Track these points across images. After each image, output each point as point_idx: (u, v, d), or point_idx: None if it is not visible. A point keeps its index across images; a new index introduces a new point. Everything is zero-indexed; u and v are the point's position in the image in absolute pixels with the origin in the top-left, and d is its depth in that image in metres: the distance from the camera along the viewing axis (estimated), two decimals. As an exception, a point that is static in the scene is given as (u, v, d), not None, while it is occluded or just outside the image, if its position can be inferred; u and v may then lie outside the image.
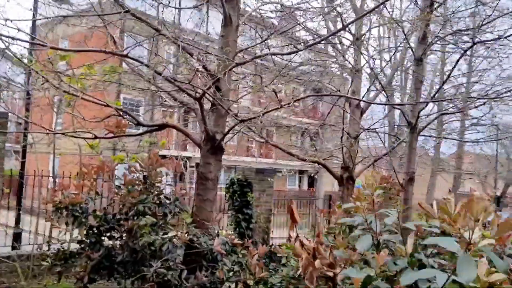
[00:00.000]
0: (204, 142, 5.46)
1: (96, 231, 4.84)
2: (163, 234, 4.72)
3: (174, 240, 4.68)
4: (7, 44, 3.95)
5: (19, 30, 3.96)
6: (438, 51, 10.83)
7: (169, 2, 5.81)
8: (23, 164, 9.23)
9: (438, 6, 7.55)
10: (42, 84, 4.98)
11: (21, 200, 9.14)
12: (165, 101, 8.54)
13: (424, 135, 10.10)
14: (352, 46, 7.28)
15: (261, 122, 8.52)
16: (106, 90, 6.13)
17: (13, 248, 8.15)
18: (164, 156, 5.93)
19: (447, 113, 11.48)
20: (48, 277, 7.09)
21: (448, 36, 7.77)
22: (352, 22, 6.38)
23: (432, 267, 1.85)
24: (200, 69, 5.07)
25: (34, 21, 8.80)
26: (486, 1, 7.09)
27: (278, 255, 4.20)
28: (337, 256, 2.02)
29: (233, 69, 5.28)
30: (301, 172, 32.35)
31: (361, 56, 9.33)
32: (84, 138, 5.32)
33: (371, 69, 8.56)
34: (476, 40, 7.25)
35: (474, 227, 1.62)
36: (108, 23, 5.06)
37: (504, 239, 2.13)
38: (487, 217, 1.67)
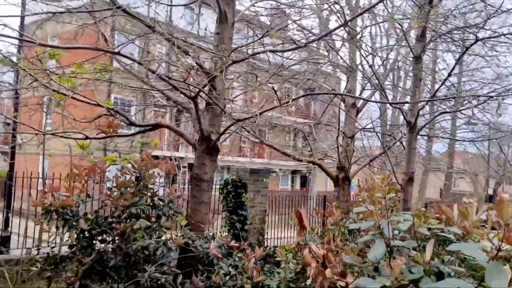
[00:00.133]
0: (199, 142, 5.31)
1: (87, 234, 4.68)
2: (157, 237, 4.59)
3: (169, 243, 4.55)
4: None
5: (5, 26, 3.80)
6: (432, 49, 10.77)
7: (160, -1, 5.66)
8: (11, 165, 9.04)
9: (437, 3, 7.47)
10: (31, 83, 4.82)
11: (11, 203, 8.92)
12: (158, 100, 8.38)
13: (421, 135, 10.04)
14: (350, 42, 7.17)
15: (255, 122, 8.40)
16: (97, 89, 5.97)
17: (1, 252, 7.92)
18: (157, 157, 5.79)
19: (447, 112, 11.33)
20: (37, 282, 6.88)
21: (446, 33, 7.68)
22: (354, 17, 6.28)
23: (449, 275, 1.74)
24: (195, 67, 4.93)
25: (22, 18, 8.60)
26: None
27: (277, 258, 4.09)
28: (347, 264, 1.90)
29: (228, 68, 5.15)
30: (293, 172, 32.30)
31: (356, 54, 9.24)
32: (75, 139, 5.17)
33: (370, 66, 8.46)
34: (477, 37, 7.15)
35: (504, 233, 1.49)
36: (99, 20, 4.91)
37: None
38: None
